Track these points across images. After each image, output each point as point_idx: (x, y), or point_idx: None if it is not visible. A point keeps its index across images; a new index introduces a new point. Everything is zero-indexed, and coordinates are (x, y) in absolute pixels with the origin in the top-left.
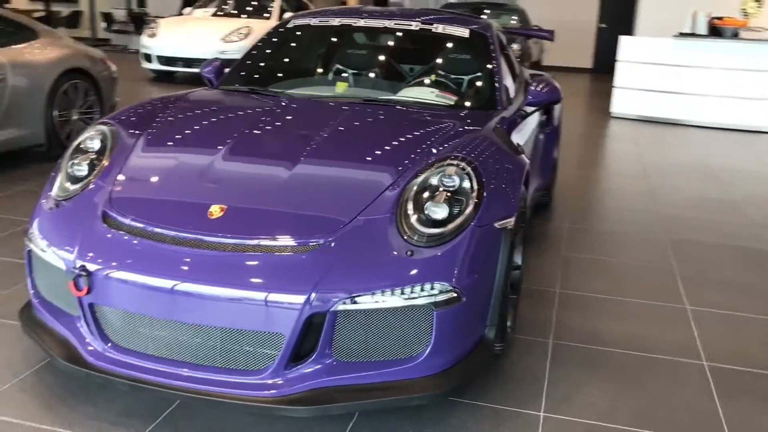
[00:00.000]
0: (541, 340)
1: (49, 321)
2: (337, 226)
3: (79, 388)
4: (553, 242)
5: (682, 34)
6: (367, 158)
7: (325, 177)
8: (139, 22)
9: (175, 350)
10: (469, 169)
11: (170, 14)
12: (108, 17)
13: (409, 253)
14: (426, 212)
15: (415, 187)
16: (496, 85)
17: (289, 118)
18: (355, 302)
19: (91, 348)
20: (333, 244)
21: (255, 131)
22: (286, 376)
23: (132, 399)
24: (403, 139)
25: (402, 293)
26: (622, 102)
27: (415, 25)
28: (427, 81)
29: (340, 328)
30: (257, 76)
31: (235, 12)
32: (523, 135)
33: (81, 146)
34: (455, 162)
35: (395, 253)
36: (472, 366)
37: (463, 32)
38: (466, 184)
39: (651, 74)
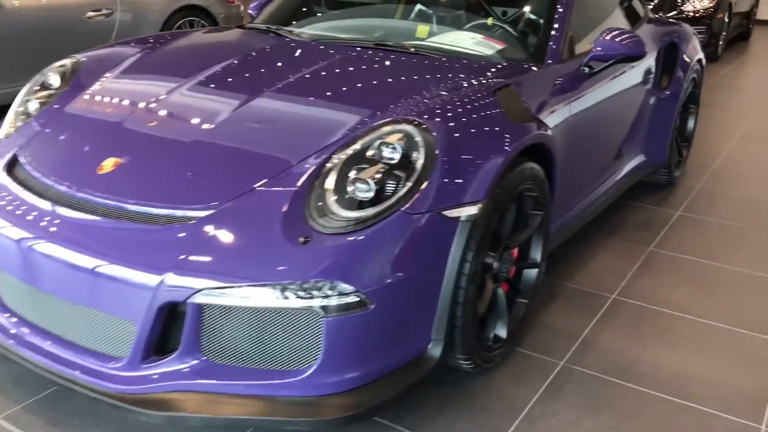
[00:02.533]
0: (551, 360)
1: None
2: (228, 195)
3: None
4: (646, 233)
5: None
6: (316, 113)
7: (252, 131)
8: None
9: (45, 319)
10: (419, 136)
11: None
12: None
13: (302, 240)
14: (349, 189)
15: (344, 156)
16: (554, 32)
17: (270, 61)
18: (219, 295)
19: None
20: (213, 219)
21: (215, 74)
22: (141, 372)
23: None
24: (376, 95)
25: (282, 291)
26: None
27: None
28: (470, 24)
29: (209, 324)
30: (283, 13)
31: None
32: (587, 97)
33: (43, 81)
34: (404, 126)
35: (285, 238)
36: (387, 390)
37: None
38: (416, 155)
39: None
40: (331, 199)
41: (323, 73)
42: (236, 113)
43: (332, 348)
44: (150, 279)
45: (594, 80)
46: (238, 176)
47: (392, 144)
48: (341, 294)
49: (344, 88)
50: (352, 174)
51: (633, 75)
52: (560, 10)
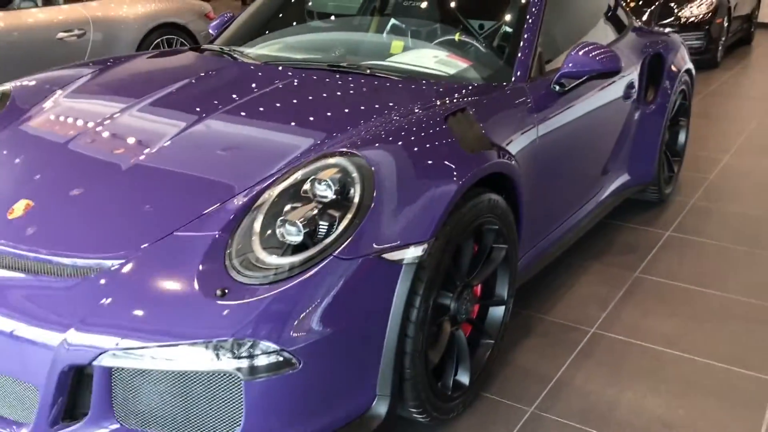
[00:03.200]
0: (519, 407)
1: None
2: (144, 241)
3: None
4: (633, 256)
5: None
6: (253, 143)
7: (183, 164)
8: None
9: None
10: (355, 171)
11: None
12: None
13: (219, 293)
14: (278, 232)
15: (274, 194)
16: (521, 51)
17: (213, 85)
18: (127, 356)
19: None
20: (123, 269)
21: (154, 100)
22: None
23: None
24: (319, 123)
25: (195, 352)
26: None
27: None
28: (436, 40)
29: (121, 387)
30: (242, 32)
31: None
32: (558, 117)
33: None
34: (339, 159)
35: (200, 292)
36: None
37: None
38: (352, 192)
39: None
40: (257, 243)
41: (266, 99)
42: (168, 145)
43: (255, 412)
44: (50, 337)
45: (566, 99)
46: (159, 218)
47: (325, 180)
48: (263, 353)
49: (286, 116)
50: (283, 215)
51: (612, 90)
52: (529, 26)
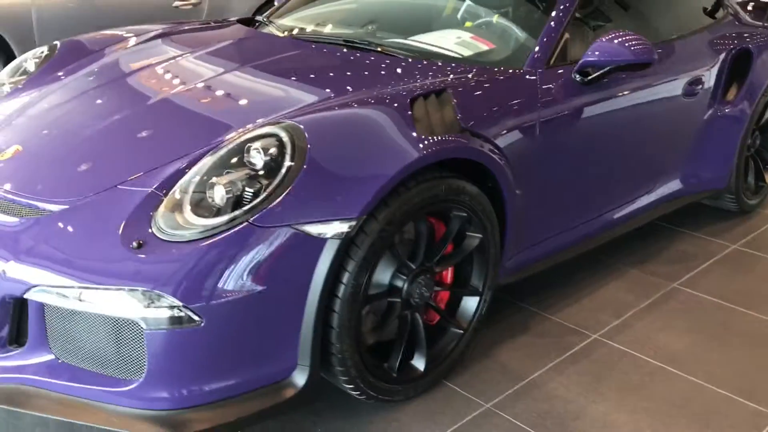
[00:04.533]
0: (476, 401)
1: None
2: (90, 191)
3: None
4: (681, 266)
5: None
6: (221, 108)
7: (153, 124)
8: None
9: None
10: (289, 143)
11: None
12: None
13: (136, 245)
14: (207, 195)
15: (213, 158)
16: (541, 38)
17: (224, 54)
18: (52, 293)
19: None
20: (65, 214)
21: (163, 66)
22: None
23: None
24: (291, 95)
25: (107, 296)
26: None
27: None
28: (465, 23)
29: (53, 321)
30: (283, 8)
31: None
32: (578, 110)
33: (23, 66)
34: (276, 129)
35: (121, 242)
36: (226, 413)
37: None
38: (285, 161)
39: None
40: (187, 204)
41: (259, 69)
42: (150, 105)
43: (156, 362)
44: None
45: (591, 91)
46: (111, 170)
47: (256, 148)
48: (165, 307)
49: (266, 86)
50: (215, 179)
51: (665, 86)
52: (558, 12)
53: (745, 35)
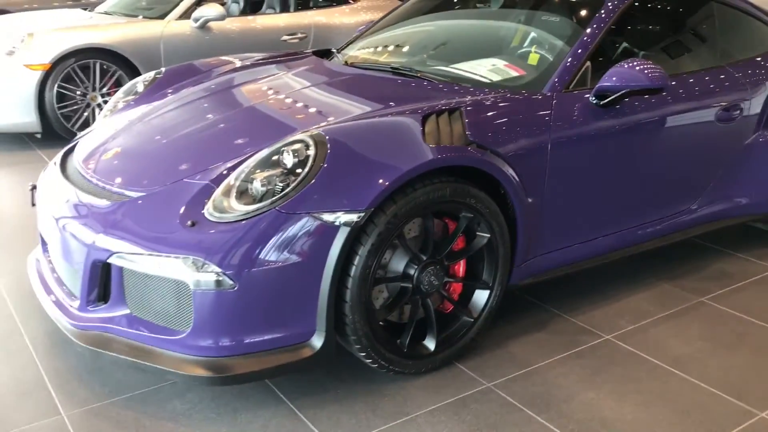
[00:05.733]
0: (478, 380)
1: None
2: (160, 184)
3: None
4: (715, 284)
5: None
6: (268, 123)
7: (223, 133)
8: None
9: (57, 262)
10: (313, 147)
11: None
12: None
13: (190, 223)
14: (249, 187)
15: (257, 159)
16: (562, 65)
17: (286, 80)
18: (125, 258)
19: None
20: (139, 200)
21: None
22: (86, 313)
23: None
24: (330, 111)
25: (164, 262)
26: None
27: None
28: (501, 50)
29: (129, 282)
30: (354, 42)
31: None
32: (594, 132)
33: (134, 88)
34: (304, 136)
35: (180, 221)
36: (255, 364)
37: None
38: (309, 162)
39: None
40: (233, 194)
41: (309, 91)
42: (219, 118)
43: (200, 317)
44: (88, 237)
45: (609, 114)
46: (181, 168)
47: (289, 152)
48: (209, 273)
49: (307, 105)
50: (256, 174)
51: (697, 112)
52: (582, 41)
53: None
